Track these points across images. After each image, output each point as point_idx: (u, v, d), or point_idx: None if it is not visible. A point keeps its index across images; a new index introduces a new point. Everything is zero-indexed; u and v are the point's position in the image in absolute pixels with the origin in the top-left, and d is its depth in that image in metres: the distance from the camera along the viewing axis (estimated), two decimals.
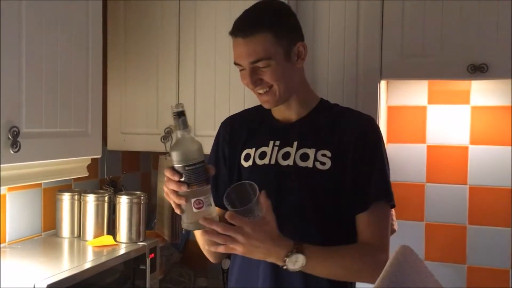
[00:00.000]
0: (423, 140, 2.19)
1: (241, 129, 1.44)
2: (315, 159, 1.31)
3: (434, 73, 1.87)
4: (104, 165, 2.13)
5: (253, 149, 1.38)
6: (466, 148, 2.13)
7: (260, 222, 1.17)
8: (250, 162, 1.37)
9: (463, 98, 2.13)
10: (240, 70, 1.32)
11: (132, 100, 2.08)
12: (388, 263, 1.03)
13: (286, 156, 1.34)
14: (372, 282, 1.03)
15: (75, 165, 1.64)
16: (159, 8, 2.03)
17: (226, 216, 1.15)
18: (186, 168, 1.14)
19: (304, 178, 1.31)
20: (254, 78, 1.28)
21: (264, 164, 1.35)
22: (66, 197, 1.79)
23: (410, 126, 2.20)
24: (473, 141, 2.12)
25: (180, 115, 1.16)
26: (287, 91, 1.32)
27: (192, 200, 1.16)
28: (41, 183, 1.81)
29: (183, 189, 1.15)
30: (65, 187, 1.90)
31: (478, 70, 1.77)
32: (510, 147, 2.07)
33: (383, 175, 1.34)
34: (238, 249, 1.16)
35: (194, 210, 1.16)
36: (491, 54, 1.76)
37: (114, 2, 2.08)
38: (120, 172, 2.27)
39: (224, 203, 1.16)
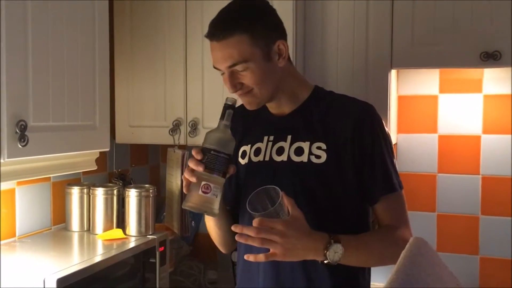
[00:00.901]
0: (434, 130, 2.15)
1: (236, 126, 1.37)
2: (310, 153, 1.26)
3: (446, 62, 1.83)
4: (113, 158, 2.12)
5: (249, 146, 1.36)
6: (479, 137, 2.10)
7: (290, 220, 1.13)
8: (246, 160, 1.35)
9: (475, 87, 2.09)
10: (221, 74, 1.28)
11: (140, 93, 2.07)
12: (401, 256, 1.01)
13: (280, 151, 1.30)
14: None
15: (84, 158, 1.63)
16: (166, 2, 2.01)
17: (254, 222, 1.12)
18: (212, 152, 1.18)
19: (299, 174, 1.27)
20: (234, 82, 1.24)
21: (259, 161, 1.32)
22: (75, 191, 1.79)
23: (421, 116, 2.17)
24: (486, 131, 2.09)
25: (230, 107, 1.20)
26: (269, 92, 1.28)
27: (202, 183, 1.17)
28: (50, 177, 1.81)
29: (200, 168, 1.16)
30: (74, 180, 1.89)
31: (491, 58, 1.73)
32: None
33: (386, 167, 1.29)
34: (277, 251, 1.12)
35: (200, 192, 1.17)
36: (504, 41, 1.72)
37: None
38: (128, 165, 2.27)
39: (248, 209, 1.14)
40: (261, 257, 1.13)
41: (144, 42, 2.05)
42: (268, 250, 1.14)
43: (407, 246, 1.02)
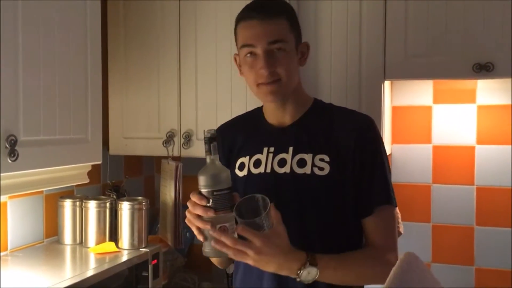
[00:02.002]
0: (428, 141, 2.15)
1: (233, 137, 1.39)
2: (313, 165, 1.27)
3: (439, 73, 1.84)
4: (107, 170, 2.12)
5: (247, 158, 1.34)
6: (473, 148, 2.10)
7: (271, 235, 1.14)
8: (245, 172, 1.33)
9: (469, 97, 2.10)
10: (248, 56, 1.26)
11: (134, 104, 2.07)
12: (392, 272, 1.00)
13: (282, 163, 1.30)
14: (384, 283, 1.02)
15: (76, 172, 1.62)
16: (159, 11, 2.02)
17: (237, 229, 1.13)
18: (215, 193, 1.15)
19: (303, 186, 1.27)
20: (270, 63, 1.23)
21: (260, 173, 1.31)
22: (67, 204, 1.78)
23: (416, 126, 2.17)
24: (480, 141, 2.09)
25: (212, 140, 1.17)
26: (292, 86, 1.29)
27: (217, 226, 1.15)
28: (42, 190, 1.80)
29: (210, 214, 1.14)
30: (67, 193, 1.89)
31: (483, 69, 1.73)
32: None
33: (385, 179, 1.31)
34: (249, 262, 1.14)
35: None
36: (496, 53, 1.73)
37: (114, 7, 2.06)
38: (122, 176, 2.26)
39: (235, 214, 1.15)
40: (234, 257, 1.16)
41: (138, 53, 2.05)
42: None
43: (398, 262, 1.01)
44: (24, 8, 1.30)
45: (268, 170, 1.30)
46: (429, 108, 2.15)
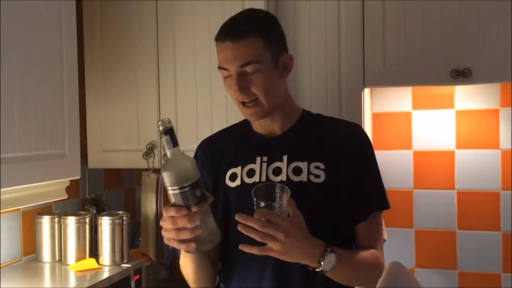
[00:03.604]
0: (409, 146, 2.17)
1: (222, 149, 1.38)
2: (309, 172, 1.27)
3: (418, 80, 1.85)
4: (86, 184, 2.07)
5: (239, 168, 1.32)
6: (453, 152, 2.12)
7: (294, 220, 1.12)
8: (238, 182, 1.31)
9: (447, 103, 2.12)
10: (225, 78, 1.26)
11: (112, 116, 2.04)
12: (379, 282, 1.00)
13: (277, 171, 1.29)
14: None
15: (54, 188, 1.58)
16: (136, 20, 1.99)
17: (260, 213, 1.09)
18: (186, 189, 1.05)
19: (300, 193, 1.25)
20: (242, 85, 1.22)
21: (255, 182, 1.29)
22: (45, 220, 1.74)
23: (396, 133, 2.18)
24: (459, 146, 2.11)
25: (168, 132, 1.06)
26: (274, 103, 1.28)
27: (208, 219, 1.10)
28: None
29: (195, 219, 1.07)
30: (45, 209, 1.84)
31: (461, 75, 1.75)
32: (496, 150, 2.06)
33: (379, 184, 1.33)
34: (276, 248, 1.09)
35: (197, 234, 1.08)
36: (474, 59, 1.75)
37: (90, 19, 2.03)
38: (102, 190, 2.22)
39: (253, 196, 1.10)
40: (255, 250, 1.10)
41: (116, 64, 2.02)
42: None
43: (384, 273, 1.01)
44: None
45: (263, 179, 1.29)
46: (408, 114, 2.17)
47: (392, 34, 1.83)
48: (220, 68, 1.26)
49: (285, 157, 1.30)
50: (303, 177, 1.27)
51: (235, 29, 1.24)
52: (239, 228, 1.09)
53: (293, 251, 1.11)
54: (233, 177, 1.33)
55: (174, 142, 1.07)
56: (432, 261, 2.14)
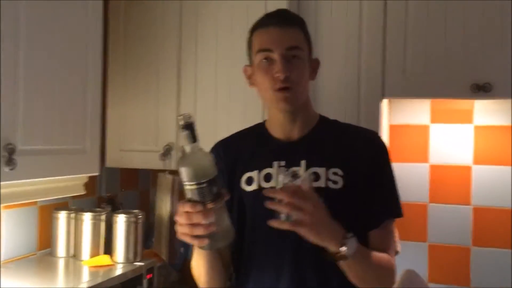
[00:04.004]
0: (425, 160, 2.16)
1: (238, 152, 1.36)
2: (327, 179, 1.26)
3: (437, 92, 1.85)
4: (102, 183, 2.10)
5: (256, 172, 1.31)
6: (469, 168, 2.10)
7: (318, 200, 1.12)
8: (255, 186, 1.31)
9: (466, 117, 2.11)
10: (263, 61, 1.26)
11: (132, 116, 2.06)
12: None
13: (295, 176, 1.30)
14: None
15: (72, 183, 1.60)
16: (160, 22, 2.02)
17: (287, 189, 1.08)
18: (203, 185, 1.04)
19: None
20: (287, 66, 1.23)
21: (272, 187, 1.28)
22: (62, 216, 1.76)
23: (413, 145, 2.17)
24: (477, 161, 2.09)
25: (189, 127, 1.05)
26: (303, 98, 1.30)
27: (223, 217, 1.08)
28: (36, 201, 1.77)
29: (210, 216, 1.05)
30: (62, 204, 1.86)
31: (481, 90, 1.75)
32: None
33: (394, 191, 1.32)
34: (305, 221, 1.07)
35: (213, 231, 1.07)
36: (494, 73, 1.74)
37: (114, 19, 2.07)
38: (118, 189, 2.24)
39: (277, 168, 1.11)
40: (285, 225, 1.09)
41: (138, 64, 2.05)
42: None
43: (399, 279, 1.01)
44: (25, 17, 1.31)
45: (281, 184, 1.29)
46: (426, 127, 2.16)
47: (413, 45, 1.84)
48: (261, 50, 1.26)
49: (303, 162, 1.29)
50: (321, 183, 1.26)
51: (281, 18, 1.28)
52: (269, 204, 1.09)
53: (321, 227, 1.10)
54: (250, 181, 1.32)
55: (194, 137, 1.06)
56: (445, 276, 2.12)
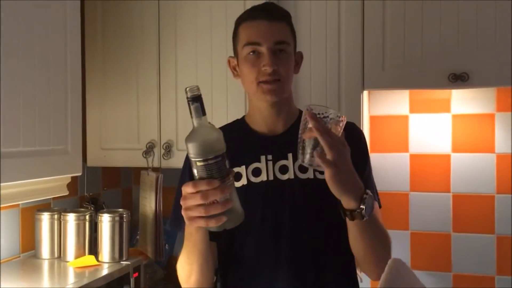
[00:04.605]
0: (406, 149, 2.19)
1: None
2: (314, 169, 1.27)
3: (416, 83, 1.88)
4: (84, 182, 2.08)
5: (243, 167, 1.32)
6: (449, 156, 2.15)
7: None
8: (244, 181, 1.31)
9: (444, 107, 2.15)
10: (249, 54, 1.26)
11: (112, 115, 2.04)
12: (382, 278, 1.02)
13: (284, 169, 1.30)
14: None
15: (55, 184, 1.58)
16: (137, 18, 2.01)
17: (319, 124, 1.03)
18: (218, 158, 0.99)
19: (308, 191, 1.28)
20: (275, 60, 1.24)
21: (262, 181, 1.30)
22: (45, 217, 1.74)
23: (393, 136, 2.20)
24: (455, 149, 2.14)
25: (197, 99, 1.00)
26: (288, 91, 1.31)
27: (235, 194, 1.02)
28: (18, 203, 1.75)
29: (228, 191, 0.99)
30: (44, 206, 1.84)
31: (459, 79, 1.78)
32: (491, 154, 2.09)
33: (373, 181, 1.35)
34: (334, 157, 1.03)
35: (226, 209, 1.00)
36: (471, 63, 1.78)
37: (91, 18, 2.04)
38: (100, 188, 2.22)
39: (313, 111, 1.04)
40: (319, 160, 1.04)
41: (117, 61, 2.03)
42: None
43: (386, 268, 1.02)
44: (3, 17, 1.28)
45: (271, 177, 1.29)
46: (405, 118, 2.20)
47: (391, 37, 1.86)
48: (249, 43, 1.26)
49: (290, 155, 1.30)
50: (310, 174, 1.28)
51: (269, 11, 1.28)
52: (311, 131, 1.04)
53: (347, 175, 1.07)
54: (238, 177, 1.32)
55: (203, 111, 1.01)
56: (427, 263, 2.16)
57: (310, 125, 1.05)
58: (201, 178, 1.00)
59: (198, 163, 0.99)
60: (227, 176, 1.01)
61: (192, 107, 1.00)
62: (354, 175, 1.10)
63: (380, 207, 1.35)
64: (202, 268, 1.23)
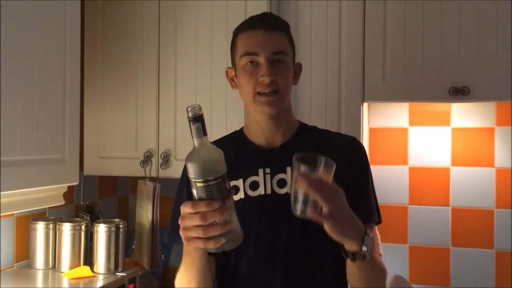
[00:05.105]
0: (405, 162, 2.18)
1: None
2: None
3: (416, 96, 1.87)
4: (80, 191, 2.05)
5: (240, 180, 1.30)
6: (448, 169, 2.14)
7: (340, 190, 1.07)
8: (241, 195, 1.29)
9: (444, 120, 2.14)
10: (247, 65, 1.24)
11: (110, 123, 2.02)
12: None
13: (282, 183, 1.28)
14: None
15: (51, 193, 1.57)
16: (138, 27, 2.00)
17: (312, 177, 1.01)
18: (219, 180, 0.97)
19: None
20: (273, 70, 1.23)
21: (260, 195, 1.28)
22: (40, 226, 1.71)
23: (392, 148, 2.20)
24: (455, 163, 2.13)
25: (199, 119, 0.98)
26: (286, 102, 1.29)
27: (235, 215, 1.00)
28: (13, 212, 1.72)
29: (227, 213, 0.97)
30: (39, 215, 1.81)
31: (459, 93, 1.78)
32: (491, 168, 2.08)
33: (373, 197, 1.33)
34: (336, 214, 1.01)
35: (226, 232, 0.98)
36: (472, 77, 1.78)
37: (91, 19, 2.03)
38: (96, 197, 2.20)
39: (297, 164, 1.02)
40: (316, 216, 1.02)
41: (115, 69, 2.01)
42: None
43: (388, 285, 1.01)
44: (2, 21, 1.27)
45: (269, 191, 1.27)
46: (405, 130, 2.19)
47: (392, 50, 1.86)
48: (247, 54, 1.24)
49: (288, 169, 1.28)
50: None
51: (267, 21, 1.27)
52: (309, 190, 1.01)
53: (347, 222, 1.05)
54: (235, 190, 1.29)
55: (204, 131, 0.99)
56: (425, 277, 2.14)
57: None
58: (200, 199, 0.98)
59: (198, 184, 0.97)
60: (227, 197, 0.99)
61: (193, 127, 0.98)
62: (353, 218, 1.08)
63: (380, 222, 1.33)
64: (201, 285, 1.23)
